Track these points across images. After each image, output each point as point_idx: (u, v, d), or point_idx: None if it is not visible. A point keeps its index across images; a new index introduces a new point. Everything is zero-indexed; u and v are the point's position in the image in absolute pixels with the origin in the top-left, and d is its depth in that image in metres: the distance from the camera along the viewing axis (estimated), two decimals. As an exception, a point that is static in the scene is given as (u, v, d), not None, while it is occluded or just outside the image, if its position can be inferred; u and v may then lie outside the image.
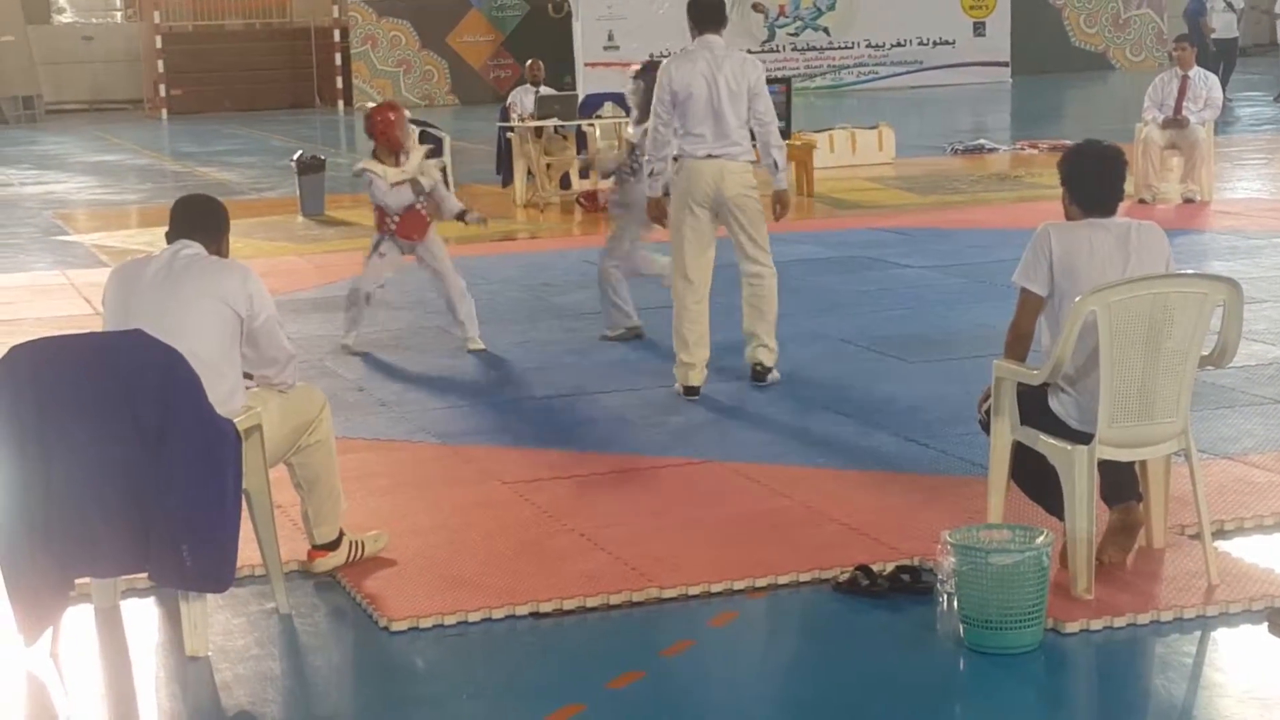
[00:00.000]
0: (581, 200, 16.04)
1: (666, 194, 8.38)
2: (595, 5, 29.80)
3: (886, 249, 12.67)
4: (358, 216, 14.82)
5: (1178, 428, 5.41)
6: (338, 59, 32.72)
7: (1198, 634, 5.14)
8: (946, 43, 31.86)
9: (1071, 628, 5.11)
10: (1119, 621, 5.15)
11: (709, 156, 8.13)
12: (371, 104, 12.41)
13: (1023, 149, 19.68)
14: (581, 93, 20.73)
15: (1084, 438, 5.33)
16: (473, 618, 5.35)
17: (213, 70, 32.69)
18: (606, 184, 10.85)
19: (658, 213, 8.52)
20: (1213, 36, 25.36)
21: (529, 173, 16.46)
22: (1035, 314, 5.56)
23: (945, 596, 5.13)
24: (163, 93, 32.44)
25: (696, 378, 8.23)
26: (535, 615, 5.39)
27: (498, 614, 5.38)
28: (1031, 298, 5.53)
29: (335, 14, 33.20)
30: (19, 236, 15.51)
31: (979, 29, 32.08)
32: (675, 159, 8.27)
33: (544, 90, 17.30)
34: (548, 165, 16.53)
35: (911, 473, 6.83)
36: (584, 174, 16.06)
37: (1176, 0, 30.05)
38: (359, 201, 14.92)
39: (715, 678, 5.05)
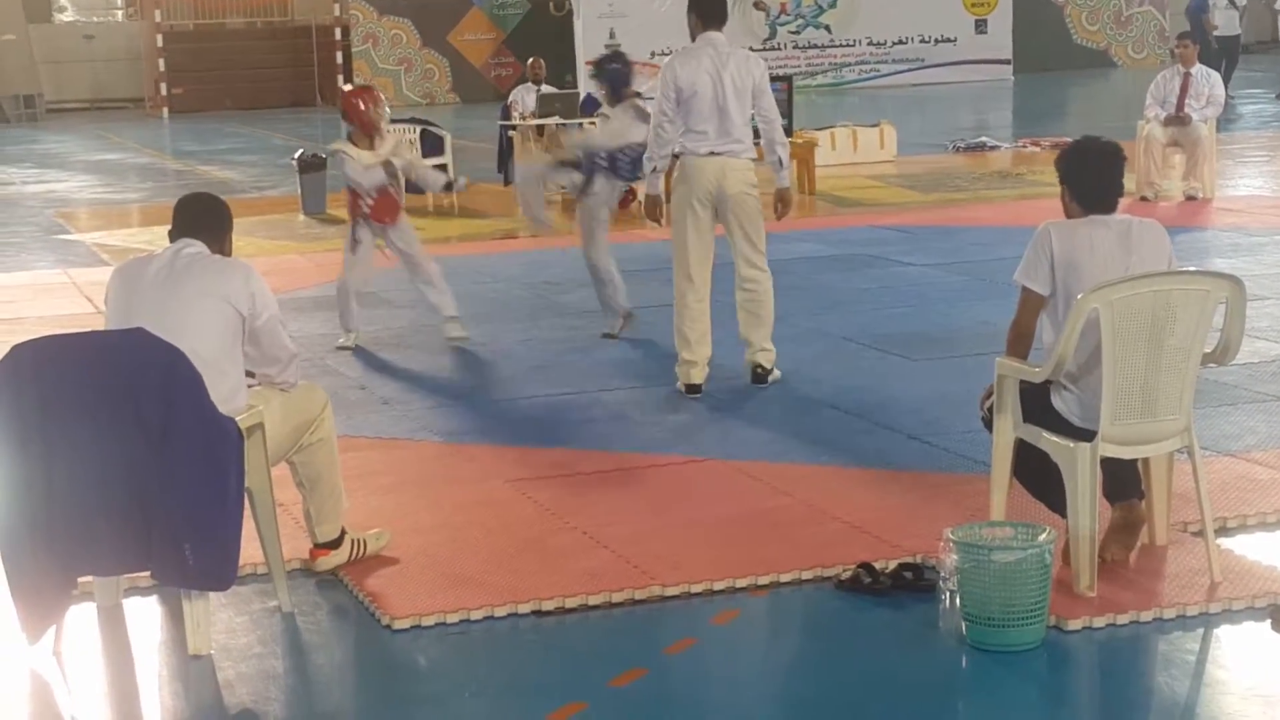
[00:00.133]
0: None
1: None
2: (596, 3, 29.77)
3: (888, 247, 12.66)
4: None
5: (1180, 425, 5.41)
6: (339, 57, 32.69)
7: (1200, 631, 5.14)
8: (948, 40, 31.82)
9: (1074, 625, 5.10)
10: (1122, 619, 5.15)
11: (711, 154, 8.11)
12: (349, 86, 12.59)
13: (1024, 146, 19.66)
14: (583, 91, 20.68)
15: (1086, 435, 5.32)
16: (475, 616, 5.35)
17: (214, 69, 32.68)
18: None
19: (655, 211, 8.51)
20: (1215, 33, 25.33)
21: (530, 171, 16.45)
22: (1037, 312, 5.55)
23: (947, 594, 5.12)
24: (164, 91, 32.43)
25: (698, 376, 8.22)
26: (537, 613, 5.39)
27: (500, 612, 5.37)
28: (1033, 296, 5.53)
29: (336, 12, 33.18)
30: (20, 235, 15.51)
31: (980, 26, 32.05)
32: (676, 156, 8.27)
33: (545, 88, 17.30)
34: (549, 164, 16.51)
35: (914, 470, 6.82)
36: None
37: (1178, -2, 30.07)
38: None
39: (717, 676, 5.05)
